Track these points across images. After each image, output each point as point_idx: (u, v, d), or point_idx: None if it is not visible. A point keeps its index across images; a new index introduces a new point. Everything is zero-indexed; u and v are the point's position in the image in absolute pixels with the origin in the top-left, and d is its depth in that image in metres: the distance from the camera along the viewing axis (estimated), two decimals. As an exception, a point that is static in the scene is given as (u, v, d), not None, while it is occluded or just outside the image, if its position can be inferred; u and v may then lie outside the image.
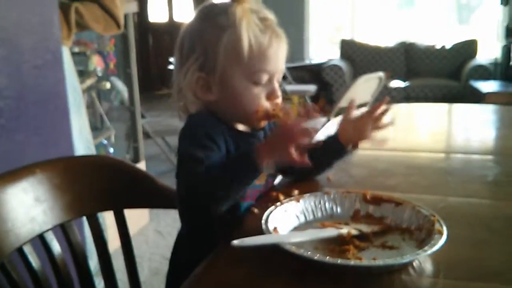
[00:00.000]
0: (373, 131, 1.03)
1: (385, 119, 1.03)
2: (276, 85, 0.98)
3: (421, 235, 0.80)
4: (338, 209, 0.92)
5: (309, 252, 0.72)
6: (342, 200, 0.93)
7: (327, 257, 0.71)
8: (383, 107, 1.03)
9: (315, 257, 0.70)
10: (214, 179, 0.87)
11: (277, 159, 0.88)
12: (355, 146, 1.07)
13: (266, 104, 0.96)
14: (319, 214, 0.91)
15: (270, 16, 0.97)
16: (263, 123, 0.99)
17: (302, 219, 0.89)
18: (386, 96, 1.05)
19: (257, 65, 0.94)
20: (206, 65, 0.95)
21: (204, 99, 0.97)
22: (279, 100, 0.98)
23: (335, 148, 1.06)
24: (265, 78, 0.95)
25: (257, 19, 0.94)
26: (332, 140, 1.06)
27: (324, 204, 0.92)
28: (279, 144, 0.86)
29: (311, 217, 0.90)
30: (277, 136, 0.88)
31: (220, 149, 0.92)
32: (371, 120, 1.03)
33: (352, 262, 0.71)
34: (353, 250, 0.77)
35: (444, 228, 0.77)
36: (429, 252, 0.71)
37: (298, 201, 0.91)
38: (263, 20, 0.95)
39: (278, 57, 0.96)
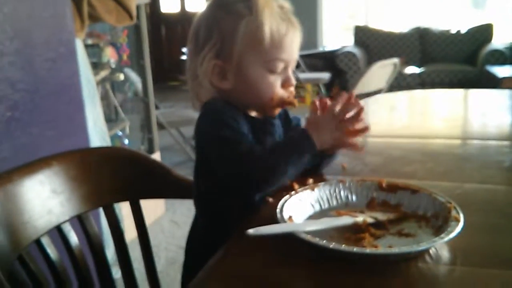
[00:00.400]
0: (345, 134, 0.92)
1: (359, 120, 0.92)
2: (291, 73, 0.98)
3: (438, 222, 0.79)
4: (353, 197, 0.91)
5: (324, 241, 0.71)
6: (358, 188, 0.92)
7: (343, 245, 0.71)
8: (345, 98, 0.92)
9: (331, 246, 0.70)
10: (270, 161, 0.88)
11: (331, 142, 0.90)
12: (330, 152, 0.99)
13: (281, 92, 0.97)
14: (334, 203, 0.91)
15: (286, 4, 0.97)
16: (277, 111, 0.99)
17: (317, 208, 0.89)
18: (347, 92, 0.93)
19: (274, 53, 0.94)
20: (222, 52, 0.95)
21: (219, 87, 0.97)
22: (293, 88, 0.98)
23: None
24: (280, 66, 0.96)
25: (277, 7, 0.94)
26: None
27: (339, 192, 0.92)
28: (333, 127, 0.88)
29: (326, 205, 0.90)
30: (330, 119, 0.89)
31: (245, 131, 0.93)
32: (336, 121, 0.91)
33: (368, 250, 0.71)
34: (369, 238, 0.76)
35: (461, 215, 0.76)
36: (446, 239, 0.71)
37: (313, 189, 0.90)
38: (281, 8, 0.95)
39: (294, 46, 0.97)
